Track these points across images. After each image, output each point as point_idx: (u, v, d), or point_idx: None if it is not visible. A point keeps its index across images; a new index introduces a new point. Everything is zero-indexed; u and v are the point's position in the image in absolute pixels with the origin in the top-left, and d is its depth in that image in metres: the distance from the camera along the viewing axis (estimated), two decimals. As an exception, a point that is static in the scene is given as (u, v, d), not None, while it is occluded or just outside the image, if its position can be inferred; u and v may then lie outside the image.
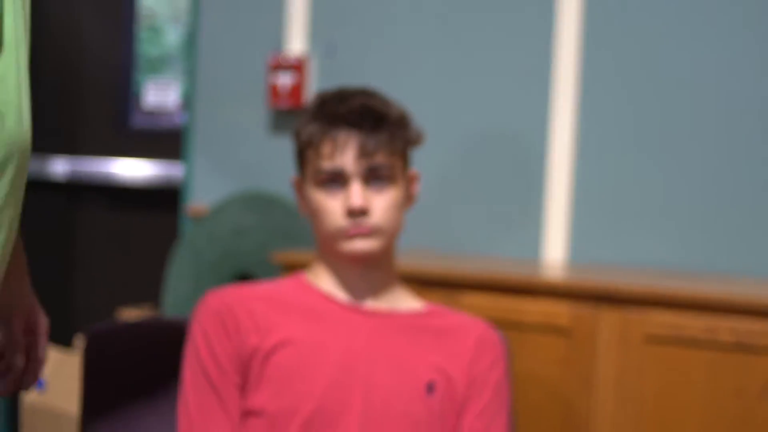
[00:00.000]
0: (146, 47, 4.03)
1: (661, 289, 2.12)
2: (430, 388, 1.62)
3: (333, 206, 1.62)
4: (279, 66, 2.86)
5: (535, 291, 2.23)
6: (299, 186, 1.70)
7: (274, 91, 2.87)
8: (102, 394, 1.70)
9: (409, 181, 1.69)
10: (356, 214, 1.60)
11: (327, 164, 1.61)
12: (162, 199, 3.76)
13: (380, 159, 1.61)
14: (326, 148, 1.62)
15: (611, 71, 2.56)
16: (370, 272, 1.66)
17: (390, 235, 1.64)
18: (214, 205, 2.97)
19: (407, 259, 2.44)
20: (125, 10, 3.95)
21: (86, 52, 3.95)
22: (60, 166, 4.03)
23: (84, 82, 3.94)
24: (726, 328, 2.06)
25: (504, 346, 1.70)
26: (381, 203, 1.62)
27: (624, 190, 2.56)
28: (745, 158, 2.44)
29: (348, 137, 1.61)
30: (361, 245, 1.61)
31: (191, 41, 3.10)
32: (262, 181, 2.98)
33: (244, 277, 2.94)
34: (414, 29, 2.78)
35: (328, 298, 1.66)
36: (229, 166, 3.04)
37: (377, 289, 1.68)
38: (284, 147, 2.95)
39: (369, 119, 1.62)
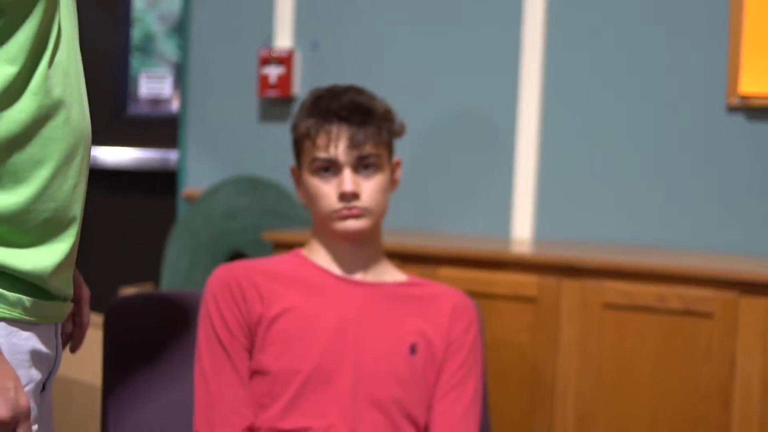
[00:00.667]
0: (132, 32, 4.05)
1: (617, 262, 2.21)
2: (413, 349, 1.74)
3: (327, 191, 1.73)
4: (268, 59, 2.96)
5: (505, 264, 2.31)
6: (297, 174, 1.81)
7: (263, 82, 2.97)
8: (123, 359, 1.78)
9: (394, 167, 1.81)
10: (348, 197, 1.72)
11: (322, 154, 1.73)
12: (159, 183, 3.69)
13: (368, 149, 1.73)
14: (321, 140, 1.73)
15: (575, 58, 2.62)
16: (360, 248, 1.78)
17: (378, 215, 1.76)
18: (208, 189, 3.00)
19: (390, 237, 2.49)
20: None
21: (82, 41, 3.92)
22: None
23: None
24: (674, 295, 2.16)
25: (477, 311, 1.82)
26: (369, 188, 1.74)
27: (585, 174, 2.62)
28: (694, 145, 2.51)
29: (340, 130, 1.73)
30: (353, 225, 1.73)
31: (183, 35, 3.14)
32: (252, 166, 3.02)
33: (237, 255, 2.95)
34: (387, 22, 2.84)
35: (323, 272, 1.78)
36: (222, 152, 3.08)
37: (366, 263, 1.79)
38: (273, 134, 3.00)
39: (358, 114, 1.74)
